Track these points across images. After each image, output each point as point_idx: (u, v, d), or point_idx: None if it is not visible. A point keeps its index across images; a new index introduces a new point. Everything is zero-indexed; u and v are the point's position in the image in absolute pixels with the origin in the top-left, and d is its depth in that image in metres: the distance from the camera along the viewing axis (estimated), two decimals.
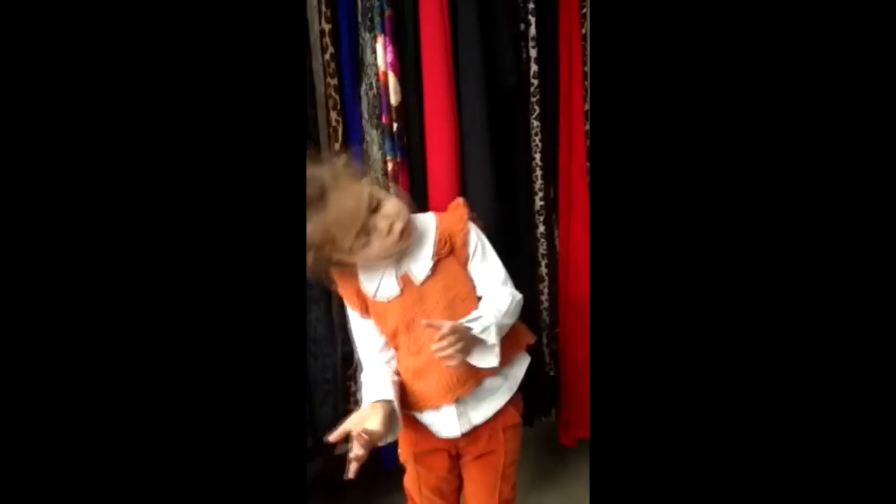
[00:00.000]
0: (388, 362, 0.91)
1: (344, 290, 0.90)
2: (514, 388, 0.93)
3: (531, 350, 1.33)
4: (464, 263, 0.89)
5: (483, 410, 0.90)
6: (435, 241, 0.87)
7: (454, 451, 0.95)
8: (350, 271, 0.88)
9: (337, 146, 1.15)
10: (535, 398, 1.28)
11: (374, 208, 0.80)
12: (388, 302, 0.87)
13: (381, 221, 0.80)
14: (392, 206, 0.82)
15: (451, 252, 0.88)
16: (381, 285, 0.87)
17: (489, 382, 0.89)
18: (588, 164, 1.29)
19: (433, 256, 0.86)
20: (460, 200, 0.92)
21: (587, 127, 1.28)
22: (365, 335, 0.91)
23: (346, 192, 0.79)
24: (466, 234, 0.88)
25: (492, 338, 0.81)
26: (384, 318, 0.88)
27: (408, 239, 0.84)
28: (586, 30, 1.28)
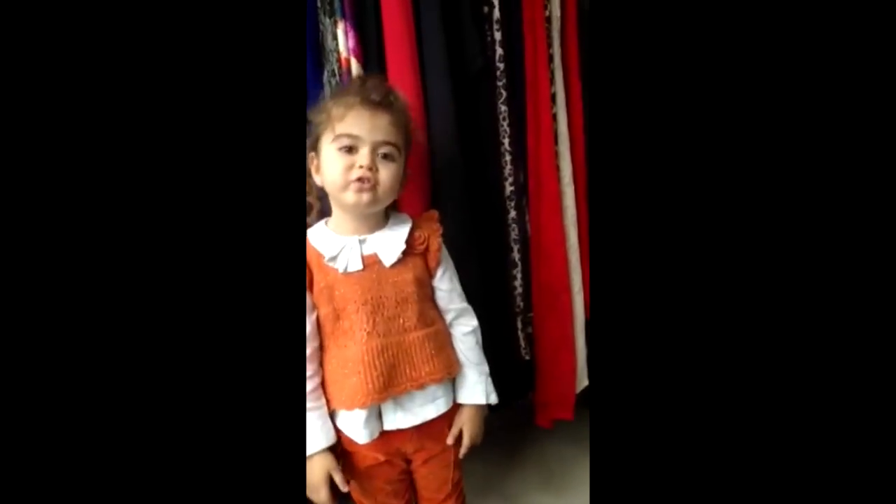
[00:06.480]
0: (310, 356, 0.85)
1: None
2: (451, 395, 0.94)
3: (505, 333, 1.33)
4: (431, 270, 0.90)
5: (422, 413, 0.89)
6: (412, 235, 0.88)
7: (401, 458, 0.94)
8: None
9: None
10: (510, 382, 1.29)
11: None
12: (346, 275, 0.83)
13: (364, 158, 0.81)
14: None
15: (423, 253, 0.89)
16: (341, 254, 0.84)
17: (431, 389, 0.89)
18: (557, 149, 1.29)
19: (406, 243, 0.86)
20: (434, 212, 0.95)
21: (554, 110, 1.28)
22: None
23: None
24: (441, 243, 0.91)
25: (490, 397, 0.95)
26: (332, 293, 0.83)
27: (368, 192, 0.81)
28: (550, 12, 1.27)
